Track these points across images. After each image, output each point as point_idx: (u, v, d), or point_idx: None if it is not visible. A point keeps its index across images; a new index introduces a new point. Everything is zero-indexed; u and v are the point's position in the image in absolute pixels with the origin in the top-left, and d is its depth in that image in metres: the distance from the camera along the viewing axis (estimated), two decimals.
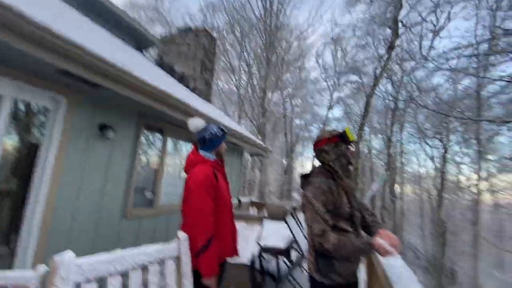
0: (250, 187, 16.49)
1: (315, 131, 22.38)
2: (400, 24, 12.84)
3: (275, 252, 2.82)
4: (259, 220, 2.83)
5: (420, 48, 11.03)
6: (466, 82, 14.76)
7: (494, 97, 12.00)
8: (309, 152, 24.16)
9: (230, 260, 2.56)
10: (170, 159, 4.08)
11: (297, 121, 21.94)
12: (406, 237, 24.67)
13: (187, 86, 6.44)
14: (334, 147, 1.50)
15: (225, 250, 1.74)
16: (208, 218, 1.56)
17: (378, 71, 12.95)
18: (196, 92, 6.27)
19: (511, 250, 13.08)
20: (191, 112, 3.27)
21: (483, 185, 13.57)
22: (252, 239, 2.71)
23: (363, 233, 1.57)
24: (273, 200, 18.16)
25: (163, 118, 3.50)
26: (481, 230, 14.51)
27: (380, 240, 1.26)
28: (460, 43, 6.92)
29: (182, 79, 6.60)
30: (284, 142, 20.80)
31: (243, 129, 7.19)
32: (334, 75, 18.97)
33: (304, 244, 3.05)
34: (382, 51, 13.52)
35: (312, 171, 1.55)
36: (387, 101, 17.13)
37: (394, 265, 1.53)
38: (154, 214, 3.49)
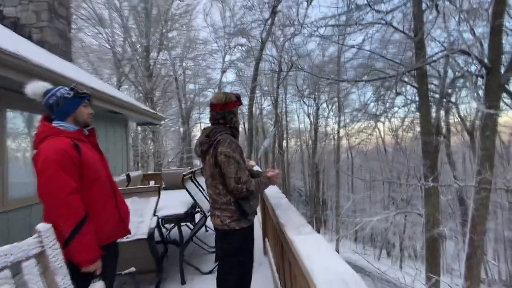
0: (144, 161, 15.11)
1: (210, 96, 22.13)
2: None
3: (176, 219, 2.74)
4: (155, 191, 2.60)
5: (297, 15, 12.15)
6: (331, 49, 17.81)
7: (348, 62, 15.06)
8: (207, 117, 24.00)
9: (124, 239, 2.30)
10: (19, 139, 3.09)
11: (191, 86, 20.97)
12: (292, 182, 29.81)
13: (29, 38, 4.81)
14: (235, 110, 1.72)
15: (110, 231, 1.50)
16: (70, 200, 1.26)
17: (264, 35, 13.61)
18: (46, 47, 4.79)
19: (359, 177, 17.90)
20: (37, 72, 2.46)
21: (341, 132, 17.50)
22: (148, 212, 2.49)
23: None
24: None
25: None
26: (341, 166, 19.06)
27: (270, 173, 1.78)
28: (327, 13, 8.05)
29: (17, 27, 4.86)
30: (178, 108, 19.68)
31: (123, 94, 6.19)
32: (224, 37, 18.67)
33: (206, 205, 3.09)
34: (267, 14, 14.12)
35: (214, 131, 1.64)
36: (272, 64, 18.62)
37: (279, 202, 1.90)
38: (2, 211, 2.65)
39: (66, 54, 5.67)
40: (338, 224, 16.94)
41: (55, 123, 1.41)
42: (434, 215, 7.05)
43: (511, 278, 15.37)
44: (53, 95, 1.41)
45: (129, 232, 1.65)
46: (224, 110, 1.66)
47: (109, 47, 12.09)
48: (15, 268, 1.03)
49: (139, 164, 17.11)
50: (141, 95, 12.03)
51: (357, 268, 15.21)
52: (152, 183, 5.08)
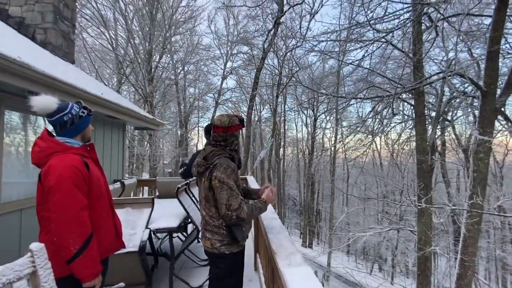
0: (139, 163, 15.02)
1: (209, 101, 22.25)
2: (285, 1, 13.83)
3: (168, 232, 2.73)
4: (149, 202, 2.60)
5: (300, 27, 12.31)
6: (331, 62, 18.07)
7: (348, 76, 15.26)
8: (206, 122, 24.04)
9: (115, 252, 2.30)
10: (17, 139, 3.09)
11: (191, 90, 21.06)
12: (287, 190, 29.76)
13: (32, 39, 4.85)
14: (237, 133, 1.74)
15: (107, 246, 1.52)
16: (81, 217, 1.30)
17: (266, 45, 13.80)
18: (49, 48, 4.82)
19: (354, 191, 17.91)
20: (38, 78, 2.48)
21: (338, 145, 17.60)
22: (141, 224, 2.49)
23: None
24: (166, 175, 17.40)
25: None
26: (335, 179, 19.09)
27: (265, 195, 1.76)
28: (329, 28, 8.19)
29: (21, 27, 4.90)
30: (176, 111, 19.69)
31: (123, 99, 6.21)
32: (227, 44, 18.87)
33: (199, 218, 3.09)
34: (270, 25, 14.34)
35: (212, 154, 1.65)
36: (273, 74, 18.81)
37: (271, 223, 1.91)
38: None
39: (68, 55, 5.69)
40: (331, 237, 16.88)
41: (60, 139, 1.42)
42: (426, 234, 7.09)
43: None
44: (68, 113, 1.43)
45: (124, 246, 1.66)
46: (227, 133, 1.68)
47: (111, 48, 12.14)
48: None
49: (134, 166, 17.00)
50: (140, 97, 12.03)
51: (349, 283, 15.12)
52: (146, 189, 5.06)
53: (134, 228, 2.43)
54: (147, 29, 11.61)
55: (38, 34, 5.23)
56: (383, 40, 7.53)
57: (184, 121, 19.65)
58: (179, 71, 16.82)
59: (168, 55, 15.00)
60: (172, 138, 24.02)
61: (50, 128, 1.50)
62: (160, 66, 13.81)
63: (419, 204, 5.33)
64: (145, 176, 15.20)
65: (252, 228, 3.49)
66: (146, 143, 13.97)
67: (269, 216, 2.05)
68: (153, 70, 12.18)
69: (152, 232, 2.63)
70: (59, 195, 1.26)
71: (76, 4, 7.08)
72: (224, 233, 1.60)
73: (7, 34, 3.75)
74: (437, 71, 8.65)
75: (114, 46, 12.20)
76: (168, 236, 2.89)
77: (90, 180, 1.39)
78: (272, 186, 1.94)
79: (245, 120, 1.85)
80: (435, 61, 10.86)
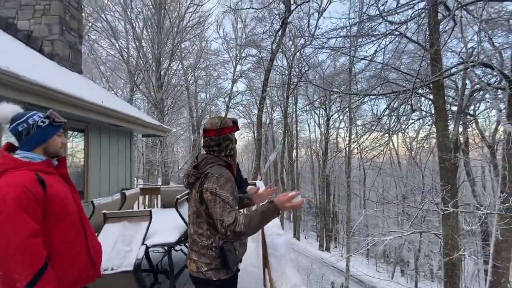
0: (154, 169, 15.17)
1: (220, 104, 22.29)
2: (292, 0, 13.59)
3: (166, 247, 2.55)
4: (146, 215, 2.44)
5: (308, 26, 12.01)
6: (342, 59, 17.59)
7: (360, 73, 14.75)
8: None
9: (108, 270, 2.13)
10: None
11: (202, 95, 21.19)
12: (302, 193, 29.16)
13: (40, 51, 4.89)
14: (232, 136, 1.55)
15: (76, 274, 1.30)
16: (29, 245, 1.09)
17: (274, 46, 13.58)
18: (56, 59, 4.85)
19: (372, 193, 17.27)
20: (29, 88, 2.39)
21: (353, 145, 17.01)
22: (138, 239, 2.32)
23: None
24: (181, 180, 17.47)
25: None
26: (351, 181, 18.48)
27: (279, 196, 1.38)
28: (338, 24, 7.86)
29: (30, 40, 4.96)
30: (188, 117, 19.83)
31: (129, 107, 6.17)
32: (235, 47, 18.83)
33: None
34: (278, 26, 14.13)
35: (204, 162, 1.45)
36: (283, 75, 18.55)
37: (275, 241, 1.71)
38: None
39: (75, 66, 5.73)
40: (349, 241, 16.29)
41: (18, 154, 1.25)
42: (453, 238, 6.55)
43: None
44: (23, 122, 1.25)
45: (99, 276, 1.45)
46: (219, 135, 1.48)
47: (122, 58, 12.35)
48: None
49: (149, 172, 17.21)
50: (152, 105, 12.15)
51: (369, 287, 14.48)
52: (155, 197, 4.94)
53: (129, 244, 2.27)
54: (155, 37, 11.73)
55: (46, 46, 5.29)
56: (396, 32, 7.13)
57: (196, 126, 19.74)
58: (189, 77, 16.94)
59: (178, 62, 15.12)
60: (186, 143, 24.22)
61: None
62: (170, 73, 13.93)
63: (446, 208, 4.89)
64: (160, 183, 15.31)
65: (260, 238, 3.26)
66: (158, 149, 14.09)
67: (274, 232, 1.81)
68: (162, 77, 12.27)
69: (147, 248, 2.45)
70: (1, 220, 1.06)
71: (83, 14, 7.19)
72: (213, 255, 1.37)
73: (12, 47, 3.76)
74: (457, 63, 8.10)
75: (124, 56, 12.41)
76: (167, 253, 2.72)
77: (48, 200, 1.19)
78: (274, 186, 1.72)
79: (238, 123, 1.62)
80: (453, 52, 10.23)
